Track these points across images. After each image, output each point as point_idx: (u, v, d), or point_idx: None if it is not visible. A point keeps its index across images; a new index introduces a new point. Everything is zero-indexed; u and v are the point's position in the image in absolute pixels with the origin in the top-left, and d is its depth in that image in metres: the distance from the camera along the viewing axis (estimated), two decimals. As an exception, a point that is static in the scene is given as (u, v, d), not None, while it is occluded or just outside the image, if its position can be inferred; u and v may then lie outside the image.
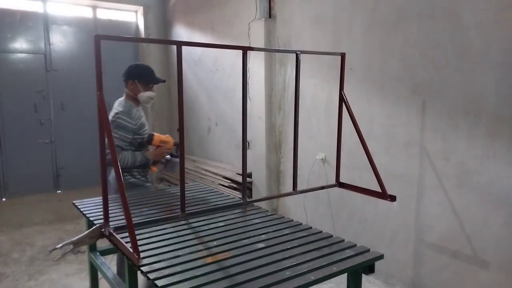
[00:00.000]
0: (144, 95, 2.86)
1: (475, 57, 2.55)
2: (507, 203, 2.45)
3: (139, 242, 1.67)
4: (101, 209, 1.87)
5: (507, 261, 2.48)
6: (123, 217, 1.95)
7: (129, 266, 1.68)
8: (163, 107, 6.88)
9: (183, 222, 2.04)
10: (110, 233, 1.80)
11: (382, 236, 3.26)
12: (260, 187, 4.46)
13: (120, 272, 2.70)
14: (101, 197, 1.86)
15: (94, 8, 6.35)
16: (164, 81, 3.00)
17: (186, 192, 2.14)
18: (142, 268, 1.50)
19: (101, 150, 1.77)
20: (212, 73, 5.54)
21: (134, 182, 2.77)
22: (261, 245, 1.75)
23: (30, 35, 5.84)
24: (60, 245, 1.76)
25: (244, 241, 1.80)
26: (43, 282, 3.36)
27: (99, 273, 2.40)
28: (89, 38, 5.80)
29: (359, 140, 2.39)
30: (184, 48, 1.97)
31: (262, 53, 4.22)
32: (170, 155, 2.85)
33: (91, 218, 2.13)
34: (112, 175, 2.67)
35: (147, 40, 7.04)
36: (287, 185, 4.20)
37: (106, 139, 1.69)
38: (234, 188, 4.71)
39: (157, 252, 1.65)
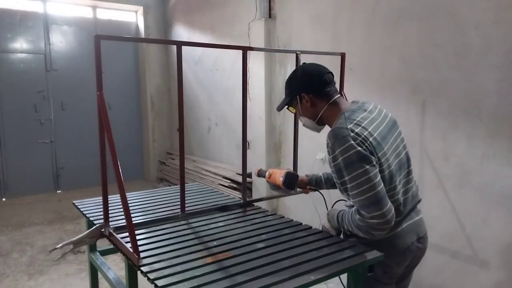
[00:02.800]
0: None
1: (475, 57, 2.55)
2: (507, 203, 2.45)
3: (139, 242, 1.67)
4: (101, 209, 1.88)
5: (507, 261, 2.48)
6: (123, 217, 1.95)
7: (129, 266, 1.68)
8: (163, 107, 6.88)
9: (183, 222, 2.04)
10: (110, 233, 1.80)
11: (382, 236, 3.26)
12: (260, 187, 4.45)
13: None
14: (101, 197, 1.86)
15: (94, 8, 6.35)
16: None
17: (186, 192, 2.14)
18: (142, 268, 1.50)
19: (101, 149, 1.77)
20: (212, 73, 5.54)
21: None
22: (261, 245, 1.75)
23: (30, 35, 5.84)
24: (60, 245, 1.76)
25: (244, 241, 1.80)
26: (43, 282, 3.36)
27: (99, 273, 2.40)
28: (89, 38, 5.82)
29: (359, 140, 2.38)
30: (184, 48, 1.97)
31: (262, 53, 4.22)
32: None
33: (91, 218, 2.13)
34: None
35: (147, 40, 7.05)
36: (287, 185, 4.19)
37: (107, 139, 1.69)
38: (234, 188, 4.71)
39: (157, 252, 1.65)
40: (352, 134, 1.49)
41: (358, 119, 1.56)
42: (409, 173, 1.73)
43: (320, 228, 1.94)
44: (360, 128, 1.53)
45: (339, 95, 1.73)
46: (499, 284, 2.52)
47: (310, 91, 1.69)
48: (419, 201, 1.80)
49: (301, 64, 1.81)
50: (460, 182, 2.68)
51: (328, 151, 1.58)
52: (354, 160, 1.47)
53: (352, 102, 1.75)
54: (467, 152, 2.63)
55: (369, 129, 1.55)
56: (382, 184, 1.50)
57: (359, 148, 1.47)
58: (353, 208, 1.57)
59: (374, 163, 1.50)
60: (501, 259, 2.51)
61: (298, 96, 1.73)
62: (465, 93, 2.61)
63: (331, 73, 1.73)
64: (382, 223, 1.47)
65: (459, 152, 2.67)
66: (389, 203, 1.49)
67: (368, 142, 1.51)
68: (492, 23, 2.45)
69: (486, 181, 2.54)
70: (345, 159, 1.48)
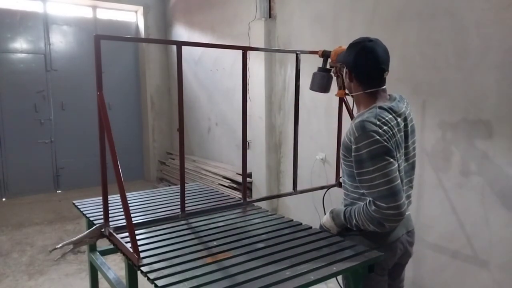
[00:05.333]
0: None
1: (475, 57, 2.55)
2: (507, 203, 2.45)
3: (139, 242, 1.67)
4: (101, 209, 1.88)
5: (507, 261, 2.48)
6: (123, 217, 1.95)
7: (129, 266, 1.68)
8: (163, 107, 6.88)
9: (183, 222, 2.04)
10: (110, 233, 1.80)
11: (382, 236, 3.26)
12: (260, 187, 4.45)
13: None
14: (101, 197, 1.86)
15: (94, 8, 6.35)
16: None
17: (186, 192, 2.14)
18: (142, 268, 1.50)
19: (101, 149, 1.77)
20: (212, 73, 5.54)
21: None
22: (261, 245, 1.75)
23: (30, 35, 5.84)
24: (60, 245, 1.76)
25: (244, 241, 1.80)
26: (43, 282, 3.36)
27: (99, 273, 2.40)
28: (89, 38, 5.82)
29: (359, 140, 2.38)
30: (184, 48, 1.97)
31: (262, 53, 4.22)
32: None
33: (91, 218, 2.13)
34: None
35: (147, 40, 7.04)
36: (287, 185, 4.19)
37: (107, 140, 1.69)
38: (234, 188, 4.71)
39: (157, 252, 1.65)
40: (380, 130, 1.55)
41: (386, 119, 1.61)
42: (409, 181, 1.80)
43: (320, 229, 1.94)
44: (386, 127, 1.59)
45: (381, 88, 1.73)
46: (499, 284, 2.52)
47: (353, 71, 1.71)
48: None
49: (366, 41, 1.68)
50: (460, 182, 2.68)
51: (349, 138, 1.62)
52: (381, 153, 1.53)
53: (389, 96, 1.79)
54: (467, 152, 2.63)
55: (392, 131, 1.62)
56: (400, 179, 1.57)
57: (385, 143, 1.54)
58: (366, 201, 1.61)
59: (396, 158, 1.58)
60: (501, 259, 2.51)
61: (344, 66, 1.76)
62: (465, 93, 2.61)
63: (384, 68, 1.68)
64: (396, 214, 1.52)
65: (459, 152, 2.68)
66: (404, 197, 1.55)
67: (393, 141, 1.60)
68: (492, 23, 2.45)
69: (486, 181, 2.54)
70: (371, 151, 1.53)
